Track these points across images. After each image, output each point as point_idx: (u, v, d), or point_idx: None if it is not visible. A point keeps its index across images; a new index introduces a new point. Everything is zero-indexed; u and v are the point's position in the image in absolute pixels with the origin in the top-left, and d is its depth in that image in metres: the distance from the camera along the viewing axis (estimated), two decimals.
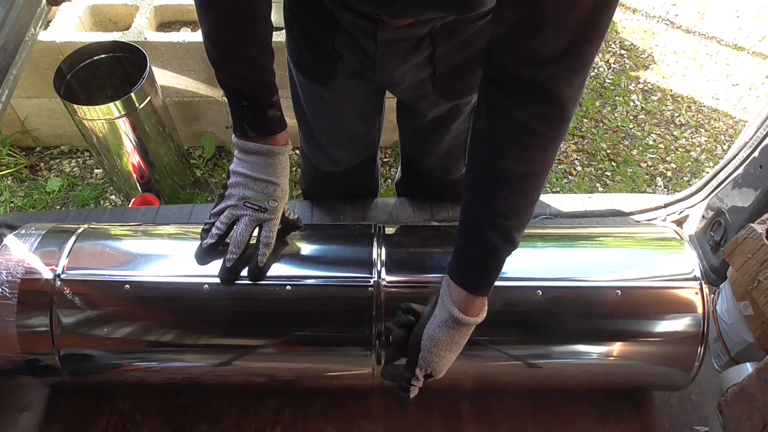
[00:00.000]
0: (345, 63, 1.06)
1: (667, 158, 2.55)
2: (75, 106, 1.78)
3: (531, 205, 0.80)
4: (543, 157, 0.75)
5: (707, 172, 1.49)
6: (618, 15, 3.24)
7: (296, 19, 1.04)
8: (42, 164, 2.44)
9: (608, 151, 2.56)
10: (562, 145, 2.65)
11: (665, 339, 0.96)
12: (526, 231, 1.10)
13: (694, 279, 0.97)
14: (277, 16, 1.11)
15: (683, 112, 2.74)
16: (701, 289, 0.96)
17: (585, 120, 2.69)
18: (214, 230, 0.92)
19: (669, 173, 2.49)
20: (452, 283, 0.85)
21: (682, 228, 1.47)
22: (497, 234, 0.79)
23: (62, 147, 2.49)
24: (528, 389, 1.11)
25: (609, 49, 3.04)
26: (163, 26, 2.37)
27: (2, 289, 0.93)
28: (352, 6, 0.90)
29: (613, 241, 1.07)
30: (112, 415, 1.10)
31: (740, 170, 1.30)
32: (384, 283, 0.95)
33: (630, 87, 2.84)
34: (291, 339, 0.96)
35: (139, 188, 2.15)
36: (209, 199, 2.32)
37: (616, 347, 0.96)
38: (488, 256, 0.82)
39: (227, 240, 0.93)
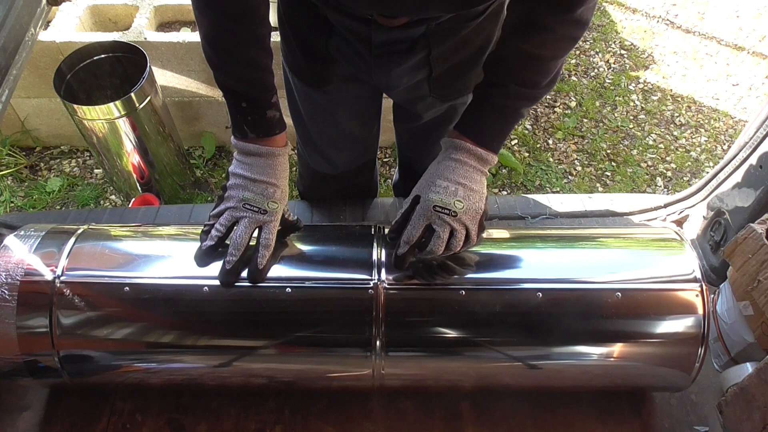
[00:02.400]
0: (340, 66, 1.06)
1: (667, 158, 2.55)
2: (75, 106, 1.78)
3: (537, 80, 0.87)
4: (554, 47, 0.85)
5: (707, 172, 1.49)
6: (618, 15, 3.24)
7: (290, 23, 1.04)
8: (42, 164, 2.44)
9: (608, 151, 2.56)
10: (562, 144, 2.64)
11: (665, 340, 0.96)
12: (526, 231, 1.10)
13: (695, 280, 0.97)
14: (275, 17, 1.11)
15: (683, 112, 2.74)
16: (702, 291, 0.96)
17: (585, 120, 2.69)
18: (213, 232, 0.92)
19: (669, 173, 2.49)
20: (451, 133, 0.91)
21: (682, 228, 1.46)
22: (502, 91, 0.87)
23: (62, 147, 2.49)
24: (528, 390, 1.11)
25: (609, 49, 3.04)
26: (163, 26, 2.37)
27: (2, 290, 0.93)
28: (346, 8, 0.90)
29: (613, 242, 1.07)
30: (112, 415, 1.10)
31: (740, 170, 1.30)
32: (384, 284, 0.95)
33: (630, 87, 2.84)
34: (291, 340, 0.96)
35: (139, 188, 2.15)
36: (209, 199, 2.32)
37: (617, 348, 0.96)
38: (483, 105, 0.89)
39: (227, 242, 0.93)
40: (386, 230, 1.06)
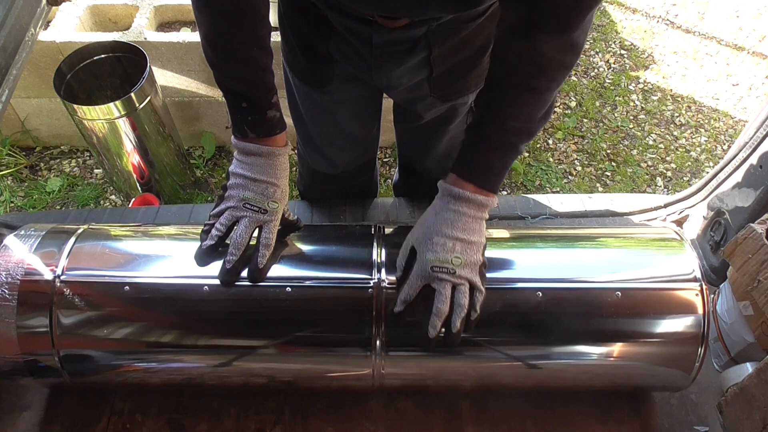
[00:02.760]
0: (341, 66, 1.05)
1: (667, 158, 2.55)
2: (75, 106, 1.78)
3: (532, 114, 0.83)
4: (547, 76, 0.81)
5: (707, 172, 1.49)
6: (618, 15, 3.24)
7: (290, 23, 1.04)
8: (42, 164, 2.44)
9: (608, 151, 2.56)
10: (562, 144, 2.63)
11: (665, 340, 0.96)
12: (526, 231, 1.10)
13: (695, 280, 0.97)
14: (275, 16, 1.11)
15: (683, 112, 2.74)
16: (701, 290, 0.96)
17: (585, 120, 2.69)
18: (213, 231, 0.92)
19: (669, 173, 2.49)
20: (448, 177, 0.88)
21: (682, 228, 1.46)
22: (499, 129, 0.84)
23: (62, 147, 2.49)
24: (528, 390, 1.11)
25: (609, 49, 3.04)
26: (163, 26, 2.37)
27: (2, 290, 0.93)
28: (347, 9, 0.90)
29: (613, 242, 1.07)
30: (112, 415, 1.10)
31: (740, 170, 1.30)
32: (384, 284, 0.95)
33: (630, 87, 2.84)
34: (291, 340, 0.96)
35: (139, 188, 2.15)
36: (209, 199, 2.32)
37: (617, 348, 0.96)
38: (480, 145, 0.86)
39: (227, 241, 0.93)
40: (386, 230, 1.06)
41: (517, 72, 0.80)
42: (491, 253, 1.01)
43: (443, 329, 0.86)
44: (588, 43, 3.06)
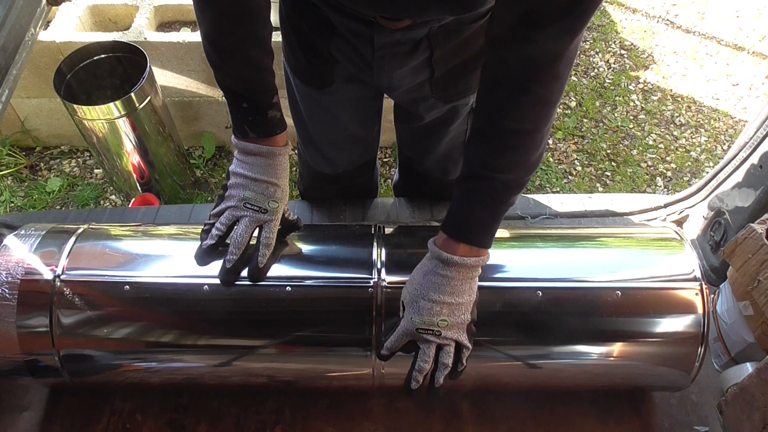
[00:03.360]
0: (342, 67, 1.05)
1: (667, 158, 2.55)
2: (75, 106, 1.78)
3: (523, 161, 0.81)
4: (535, 115, 0.77)
5: (707, 172, 1.49)
6: (618, 15, 3.24)
7: (292, 24, 1.04)
8: (42, 164, 2.44)
9: (608, 151, 2.56)
10: (562, 144, 2.63)
11: (665, 339, 0.96)
12: (526, 231, 1.10)
13: (695, 279, 0.97)
14: (275, 16, 1.11)
15: (683, 112, 2.74)
16: (701, 290, 0.96)
17: (585, 120, 2.69)
18: (214, 231, 0.92)
19: (669, 173, 2.49)
20: (438, 237, 0.86)
21: (682, 228, 1.46)
22: (489, 185, 0.81)
23: (62, 147, 2.49)
24: (528, 390, 1.11)
25: (609, 49, 3.04)
26: (163, 26, 2.37)
27: (2, 289, 0.93)
28: (349, 10, 0.90)
29: (613, 242, 1.07)
30: (112, 415, 1.10)
31: (740, 170, 1.30)
32: (384, 283, 0.95)
33: (630, 87, 2.84)
34: (291, 339, 0.96)
35: (139, 188, 2.15)
36: (209, 199, 2.32)
37: (617, 348, 0.96)
38: (470, 202, 0.83)
39: (227, 241, 0.93)
40: (386, 230, 1.06)
41: (502, 112, 0.77)
42: (492, 252, 1.01)
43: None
44: (588, 43, 3.06)
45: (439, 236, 0.86)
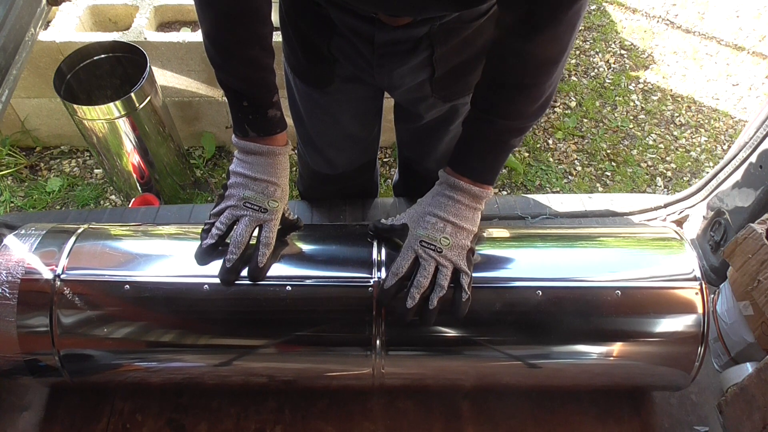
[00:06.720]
0: (342, 67, 1.05)
1: (667, 158, 2.55)
2: (75, 106, 1.78)
3: (523, 110, 0.86)
4: (534, 71, 0.82)
5: (707, 172, 1.49)
6: (618, 15, 3.24)
7: (292, 23, 1.04)
8: (42, 164, 2.45)
9: (608, 151, 2.56)
10: (562, 144, 2.63)
11: (665, 339, 0.96)
12: (526, 231, 1.10)
13: (694, 279, 0.97)
14: (276, 16, 1.11)
15: (683, 112, 2.75)
16: (701, 289, 0.96)
17: (585, 120, 2.69)
18: (214, 230, 0.92)
19: (669, 173, 2.49)
20: (447, 169, 0.91)
21: (682, 228, 1.46)
22: (490, 126, 0.87)
23: (62, 147, 2.50)
24: (528, 389, 1.11)
25: (609, 49, 3.04)
26: (163, 26, 2.37)
27: (2, 289, 0.93)
28: (350, 6, 0.90)
29: (613, 241, 1.07)
30: (112, 415, 1.09)
31: (740, 170, 1.30)
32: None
33: (630, 87, 2.85)
34: (291, 339, 0.96)
35: (139, 188, 2.15)
36: (209, 199, 2.32)
37: (616, 347, 0.96)
38: (472, 140, 0.89)
39: (227, 240, 0.93)
40: None
41: (501, 69, 0.83)
42: (492, 252, 1.01)
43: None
44: (588, 43, 3.06)
45: (446, 167, 0.92)
